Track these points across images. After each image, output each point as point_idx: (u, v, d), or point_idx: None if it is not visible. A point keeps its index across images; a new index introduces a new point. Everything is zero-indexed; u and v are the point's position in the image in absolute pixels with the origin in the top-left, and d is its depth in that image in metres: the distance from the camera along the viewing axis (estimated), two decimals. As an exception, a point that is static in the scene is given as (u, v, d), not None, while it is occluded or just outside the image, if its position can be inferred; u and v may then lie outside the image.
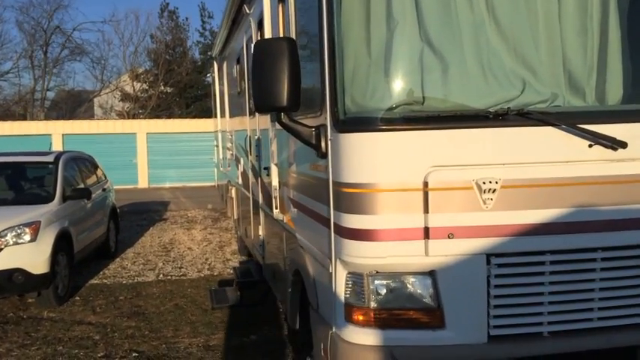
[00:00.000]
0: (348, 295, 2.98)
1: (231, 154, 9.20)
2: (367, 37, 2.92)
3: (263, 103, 3.12)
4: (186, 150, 25.78)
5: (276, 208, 4.58)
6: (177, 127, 26.47)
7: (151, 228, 13.74)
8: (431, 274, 2.83)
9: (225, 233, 12.64)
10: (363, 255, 2.87)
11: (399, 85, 2.85)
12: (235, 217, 9.25)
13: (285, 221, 4.53)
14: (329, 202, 3.13)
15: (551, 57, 3.02)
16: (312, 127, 3.21)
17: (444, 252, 2.79)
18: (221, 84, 10.89)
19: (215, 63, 11.15)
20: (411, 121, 2.79)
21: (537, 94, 2.90)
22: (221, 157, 11.26)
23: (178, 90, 34.03)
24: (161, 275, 8.94)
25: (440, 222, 2.77)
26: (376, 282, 2.88)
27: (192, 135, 25.94)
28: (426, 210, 2.78)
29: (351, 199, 2.89)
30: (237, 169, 8.23)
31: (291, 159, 4.18)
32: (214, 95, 12.67)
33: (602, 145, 2.85)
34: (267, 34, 4.51)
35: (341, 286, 3.01)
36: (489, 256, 2.81)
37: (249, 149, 6.68)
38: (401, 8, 2.87)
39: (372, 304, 2.88)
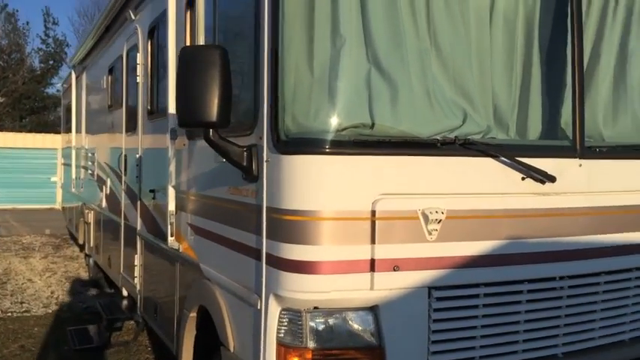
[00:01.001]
0: (281, 335, 2.74)
1: (91, 174, 8.46)
2: (312, 53, 2.77)
3: (189, 118, 2.82)
4: (19, 168, 23.46)
5: (172, 236, 4.20)
6: (10, 141, 23.97)
7: (-23, 256, 12.14)
8: (373, 309, 2.71)
9: (71, 262, 11.52)
10: (304, 289, 2.66)
11: (346, 107, 2.72)
12: (92, 244, 8.45)
13: (181, 250, 4.16)
14: (259, 230, 2.90)
15: (483, 89, 3.11)
16: (242, 146, 2.97)
17: (388, 285, 2.68)
18: (79, 96, 10.06)
19: (73, 73, 10.27)
20: (361, 145, 2.67)
21: (476, 125, 2.95)
22: (73, 176, 10.32)
23: (12, 100, 31.01)
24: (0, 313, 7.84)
25: (386, 253, 2.67)
26: (316, 319, 2.68)
27: (28, 151, 23.69)
28: (373, 241, 2.66)
29: (291, 227, 2.69)
30: (101, 190, 7.56)
31: (196, 181, 3.87)
32: (68, 108, 11.68)
33: (533, 178, 2.96)
34: (171, 42, 4.19)
35: (273, 324, 2.77)
36: (430, 289, 2.76)
37: (122, 169, 6.15)
38: (348, 26, 2.77)
39: (311, 344, 2.67)
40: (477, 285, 2.87)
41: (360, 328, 2.71)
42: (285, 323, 2.74)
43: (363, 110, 2.75)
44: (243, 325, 3.10)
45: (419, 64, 2.85)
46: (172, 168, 4.20)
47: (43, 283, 9.66)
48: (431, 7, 2.94)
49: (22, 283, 9.61)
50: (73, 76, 10.28)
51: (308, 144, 2.68)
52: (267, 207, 2.83)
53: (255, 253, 2.98)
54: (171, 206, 4.19)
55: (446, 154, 2.78)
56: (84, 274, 10.28)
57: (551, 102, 3.24)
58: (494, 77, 3.16)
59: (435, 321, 2.76)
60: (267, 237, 2.83)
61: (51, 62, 34.00)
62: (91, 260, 9.43)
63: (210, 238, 3.60)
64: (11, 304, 8.28)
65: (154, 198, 4.96)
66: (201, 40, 3.96)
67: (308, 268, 2.65)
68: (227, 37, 3.47)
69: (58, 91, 35.01)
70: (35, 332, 6.88)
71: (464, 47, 3.00)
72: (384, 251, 2.66)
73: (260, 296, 2.87)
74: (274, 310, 2.77)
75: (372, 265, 2.66)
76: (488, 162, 2.91)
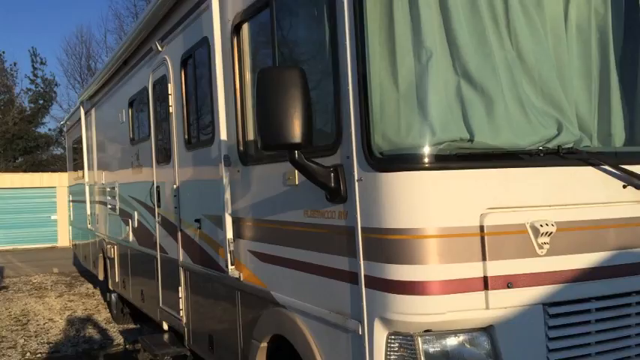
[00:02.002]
0: (391, 360, 2.57)
1: (112, 209, 8.23)
2: (400, 68, 2.65)
3: (272, 140, 2.68)
4: (18, 208, 22.98)
5: (232, 265, 4.01)
6: (7, 182, 23.50)
7: (-9, 299, 11.74)
8: (488, 329, 2.55)
9: (88, 299, 11.19)
10: (415, 311, 2.50)
11: (442, 121, 2.59)
12: (117, 279, 8.19)
13: (242, 279, 3.97)
14: (352, 252, 2.74)
15: (568, 98, 2.99)
16: (328, 167, 2.82)
17: (503, 304, 2.53)
18: (89, 132, 9.85)
19: (81, 109, 10.06)
20: (464, 159, 2.54)
21: (570, 134, 2.83)
22: (88, 212, 10.06)
23: (4, 141, 30.56)
24: (28, 354, 7.52)
25: (498, 270, 2.52)
26: (429, 343, 2.52)
27: (25, 191, 23.24)
28: (484, 257, 2.52)
29: (395, 247, 2.53)
30: (126, 224, 7.34)
31: (259, 207, 3.70)
32: (76, 145, 11.45)
33: (634, 185, 2.84)
34: (219, 70, 4.04)
35: (380, 350, 2.60)
36: (545, 305, 2.61)
37: (155, 201, 5.95)
38: (433, 39, 2.66)
39: (425, 369, 2.51)
40: (588, 300, 2.73)
41: (476, 350, 2.55)
42: (395, 348, 2.57)
43: (458, 123, 2.62)
44: (336, 353, 2.92)
45: (508, 74, 2.74)
46: (228, 195, 4.03)
47: (64, 322, 9.34)
48: (510, 17, 2.83)
49: (44, 323, 9.28)
50: (82, 112, 10.06)
51: (408, 160, 2.55)
52: (362, 227, 2.68)
53: (348, 276, 2.82)
54: (229, 234, 4.01)
55: (548, 165, 2.65)
56: (104, 311, 9.97)
57: (629, 108, 3.14)
58: (575, 85, 3.05)
59: (551, 339, 2.61)
60: (364, 259, 2.68)
61: (41, 102, 33.66)
62: (113, 296, 9.14)
63: (283, 264, 3.42)
64: (38, 345, 7.97)
65: (199, 228, 4.78)
66: (246, 67, 3.86)
67: (418, 289, 2.50)
68: (292, 59, 3.33)
69: (50, 130, 34.69)
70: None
71: (546, 56, 2.90)
72: (496, 268, 2.52)
73: (361, 321, 2.70)
74: (380, 334, 2.60)
75: (486, 283, 2.51)
76: (588, 171, 2.80)
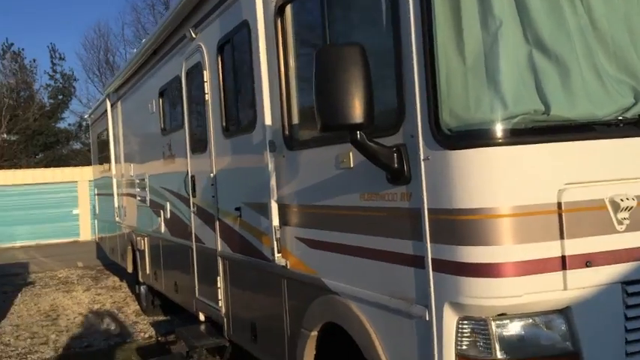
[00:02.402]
0: (463, 347, 2.46)
1: (141, 201, 8.20)
2: (468, 40, 2.52)
3: (332, 121, 2.58)
4: (40, 204, 23.14)
5: (278, 253, 3.93)
6: (29, 178, 23.70)
7: (20, 294, 11.75)
8: (565, 311, 2.43)
9: (115, 292, 11.22)
10: (489, 295, 2.39)
11: (515, 93, 2.46)
12: (147, 271, 8.17)
13: (289, 267, 3.89)
14: (417, 234, 2.64)
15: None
16: (390, 147, 2.72)
17: (582, 284, 2.41)
18: (116, 124, 9.84)
19: (107, 102, 10.05)
20: (539, 132, 2.42)
21: None
22: (116, 205, 10.05)
23: (25, 137, 30.86)
24: (61, 350, 7.53)
25: (577, 248, 2.40)
26: (505, 327, 2.41)
27: (47, 186, 23.40)
28: (562, 235, 2.40)
29: (466, 228, 2.42)
30: (157, 216, 7.30)
31: (308, 193, 3.60)
32: (102, 138, 11.46)
33: None
34: (262, 54, 3.95)
35: (450, 336, 2.49)
36: (623, 284, 2.49)
37: (190, 191, 5.89)
38: (501, 6, 2.53)
39: (500, 355, 2.39)
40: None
41: (553, 332, 2.43)
42: (467, 334, 2.47)
43: (532, 95, 2.50)
44: (400, 340, 2.83)
45: (582, 41, 2.60)
46: (273, 182, 3.94)
47: (94, 315, 9.35)
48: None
49: (75, 318, 9.30)
50: (109, 105, 10.04)
51: (480, 136, 2.43)
52: (429, 209, 2.57)
53: (412, 260, 2.72)
54: (276, 222, 3.93)
55: (627, 136, 2.52)
56: (133, 304, 9.97)
57: None
58: None
59: (629, 319, 2.49)
60: (432, 241, 2.57)
61: (60, 97, 33.94)
62: (142, 288, 9.14)
63: (336, 250, 3.33)
64: (69, 339, 7.98)
65: (240, 216, 4.70)
66: (290, 48, 3.77)
67: (492, 271, 2.39)
68: (346, 36, 3.22)
69: (69, 124, 34.97)
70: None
71: (619, 20, 2.74)
72: (574, 246, 2.40)
73: (427, 306, 2.60)
74: (450, 320, 2.50)
75: (564, 263, 2.40)
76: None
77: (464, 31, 2.53)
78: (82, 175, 23.64)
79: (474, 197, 2.42)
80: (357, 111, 2.53)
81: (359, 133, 2.62)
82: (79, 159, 31.18)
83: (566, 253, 2.40)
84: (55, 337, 8.14)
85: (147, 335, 7.85)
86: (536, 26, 2.55)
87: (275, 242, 3.93)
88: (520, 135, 2.42)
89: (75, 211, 23.58)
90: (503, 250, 2.38)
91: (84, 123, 34.81)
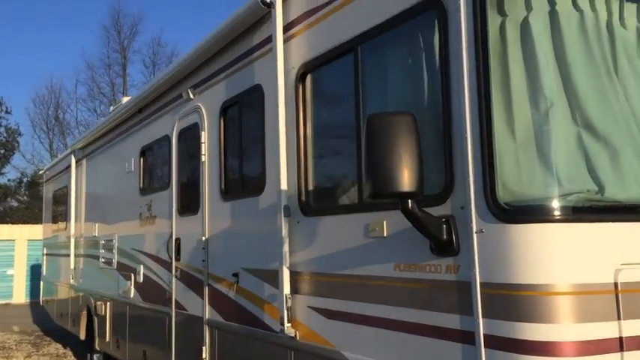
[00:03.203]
0: None
1: (106, 263, 7.80)
2: (519, 117, 2.59)
3: (384, 189, 2.54)
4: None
5: (288, 323, 3.76)
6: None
7: (-50, 359, 10.80)
8: None
9: (61, 360, 10.44)
10: (546, 374, 2.34)
11: (568, 172, 2.51)
12: (108, 338, 7.65)
13: (299, 338, 3.72)
14: (466, 309, 2.58)
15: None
16: (439, 217, 2.70)
17: (638, 365, 2.40)
18: (79, 182, 9.47)
19: (73, 158, 9.70)
20: (596, 211, 2.46)
21: None
22: (72, 267, 9.51)
23: (-39, 190, 29.29)
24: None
25: (634, 330, 2.40)
26: (562, 405, 2.34)
27: (-20, 243, 22.00)
28: (619, 316, 2.40)
29: (524, 304, 2.39)
30: (127, 279, 6.94)
31: (329, 261, 3.50)
32: (58, 196, 10.98)
33: None
34: (281, 119, 3.92)
35: (503, 416, 2.40)
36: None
37: (173, 254, 5.65)
38: (551, 88, 2.62)
39: None
40: None
41: (609, 414, 2.38)
42: (523, 413, 2.38)
43: (584, 175, 2.55)
44: (440, 420, 2.70)
45: (629, 125, 2.70)
46: (286, 248, 3.82)
47: (40, 385, 8.62)
48: (618, 64, 2.82)
49: (17, 387, 8.54)
50: (73, 161, 9.69)
51: (540, 211, 2.44)
52: (481, 282, 2.53)
53: (458, 335, 2.64)
54: (287, 289, 3.78)
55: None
56: (82, 373, 9.28)
57: None
58: None
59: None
60: (483, 316, 2.51)
61: (2, 151, 32.64)
62: (96, 357, 8.54)
63: (362, 322, 3.21)
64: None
65: (237, 282, 4.51)
66: (307, 115, 3.77)
67: (550, 350, 2.35)
68: (382, 104, 3.24)
69: (9, 180, 33.49)
70: None
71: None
72: (631, 327, 2.39)
73: (477, 384, 2.50)
74: (504, 398, 2.41)
75: (621, 344, 2.38)
76: None
77: (515, 110, 2.59)
78: (21, 234, 22.44)
79: (533, 273, 2.40)
80: (409, 180, 2.51)
81: (410, 202, 2.59)
82: (17, 216, 29.73)
83: (624, 335, 2.38)
84: (-2, 410, 7.41)
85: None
86: (585, 108, 2.64)
87: (285, 311, 3.76)
88: (578, 213, 2.45)
89: (9, 272, 22.19)
90: (562, 328, 2.34)
91: (24, 179, 33.49)
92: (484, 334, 2.50)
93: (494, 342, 2.47)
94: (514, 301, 2.42)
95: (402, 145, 2.53)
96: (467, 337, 2.59)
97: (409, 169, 2.51)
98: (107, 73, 36.03)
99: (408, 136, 2.54)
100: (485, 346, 2.50)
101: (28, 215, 29.87)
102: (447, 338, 2.69)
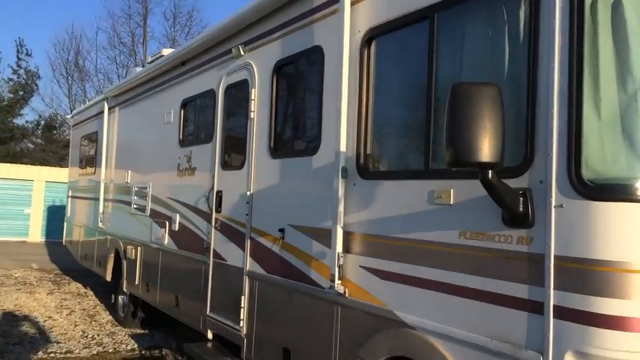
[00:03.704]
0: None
1: (139, 209, 7.86)
2: (608, 96, 2.56)
3: (464, 158, 2.53)
4: (-8, 198, 21.86)
5: (339, 280, 3.81)
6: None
7: (-24, 291, 10.98)
8: None
9: (83, 299, 10.61)
10: (619, 347, 2.36)
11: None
12: (137, 281, 7.77)
13: (348, 295, 3.77)
14: (536, 280, 2.60)
15: None
16: (517, 190, 2.70)
17: None
18: (110, 129, 9.46)
19: (106, 105, 9.66)
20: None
21: None
22: (100, 210, 9.57)
23: (-23, 131, 29.26)
24: (40, 353, 7.00)
25: None
26: (629, 380, 2.39)
27: (1, 182, 22.12)
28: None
29: (605, 279, 2.41)
30: (161, 226, 7.00)
31: (387, 223, 3.52)
32: (88, 141, 10.99)
33: None
34: (344, 81, 3.88)
35: (569, 385, 2.45)
36: None
37: (213, 206, 5.68)
38: None
39: (621, 406, 2.37)
40: None
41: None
42: (591, 384, 2.43)
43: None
44: (498, 383, 2.75)
45: None
46: (341, 208, 3.83)
47: (66, 321, 8.79)
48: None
49: (45, 321, 8.70)
50: (106, 108, 9.65)
51: (626, 190, 2.44)
52: (556, 255, 2.54)
53: (525, 305, 2.67)
54: (339, 248, 3.81)
55: None
56: (104, 313, 9.45)
57: None
58: None
59: None
60: (555, 288, 2.54)
61: (21, 93, 32.46)
62: (122, 299, 8.69)
63: (418, 284, 3.25)
64: (46, 343, 7.44)
65: (283, 238, 4.55)
66: (369, 78, 3.72)
67: (624, 325, 2.38)
68: (457, 73, 3.20)
69: (27, 122, 33.44)
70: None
71: None
72: (703, 308, 2.41)
73: (542, 353, 2.55)
74: (572, 369, 2.46)
75: (692, 324, 2.40)
76: None
77: (604, 86, 2.56)
78: (40, 175, 22.54)
79: (612, 250, 2.41)
80: (491, 150, 2.50)
81: (491, 173, 2.58)
82: (32, 158, 29.79)
83: (694, 314, 2.41)
84: (30, 339, 7.57)
85: (129, 347, 7.42)
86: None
87: (337, 269, 3.80)
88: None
89: (27, 211, 22.36)
90: (636, 304, 2.37)
91: (42, 122, 33.40)
92: (554, 305, 2.53)
93: (564, 313, 2.50)
94: (589, 275, 2.44)
95: (486, 116, 2.51)
96: (535, 307, 2.62)
97: (492, 140, 2.50)
98: (127, 22, 35.60)
99: (492, 107, 2.52)
100: (554, 317, 2.53)
101: (43, 157, 29.94)
102: (513, 306, 2.72)
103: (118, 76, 33.33)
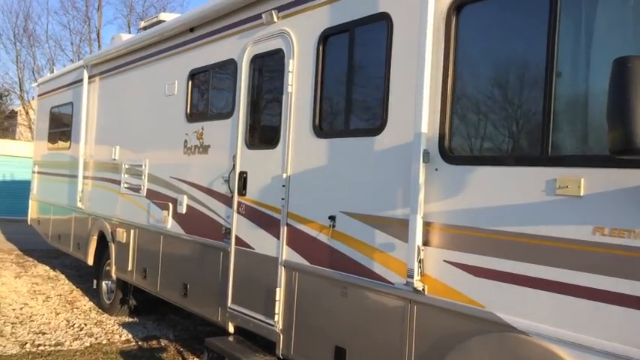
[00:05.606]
0: None
1: (131, 189, 7.19)
2: None
3: (636, 143, 2.16)
4: None
5: (418, 276, 3.39)
6: None
7: None
8: None
9: (55, 283, 9.82)
10: None
11: None
12: (130, 267, 7.12)
13: (427, 292, 3.37)
14: None
15: None
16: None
17: None
18: (90, 100, 8.65)
19: (85, 73, 8.80)
20: None
21: None
22: (79, 189, 8.76)
23: None
24: (28, 346, 6.29)
25: None
26: None
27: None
28: None
29: None
30: (163, 208, 6.39)
31: (485, 215, 3.11)
32: (58, 114, 10.08)
33: None
34: (427, 54, 3.41)
35: None
36: None
37: (236, 189, 5.15)
38: None
39: None
40: None
41: None
42: None
43: None
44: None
45: None
46: (422, 197, 3.40)
47: (45, 308, 8.04)
48: None
49: (21, 309, 7.94)
50: (86, 77, 8.76)
51: None
52: None
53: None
54: (419, 241, 3.39)
55: None
56: (83, 299, 8.74)
57: None
58: None
59: None
60: None
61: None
62: (106, 284, 8.02)
63: (535, 285, 2.87)
64: (31, 334, 6.73)
65: (333, 226, 4.09)
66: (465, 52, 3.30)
67: None
68: (587, 50, 2.80)
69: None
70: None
71: None
72: None
73: None
74: None
75: None
76: None
77: None
78: (-4, 149, 21.02)
79: None
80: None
81: (664, 163, 2.21)
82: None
83: None
84: (11, 330, 6.84)
85: (122, 338, 6.80)
86: None
87: (417, 264, 3.38)
88: None
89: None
90: None
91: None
92: None
93: None
94: None
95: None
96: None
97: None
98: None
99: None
100: None
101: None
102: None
103: (71, 43, 31.48)
